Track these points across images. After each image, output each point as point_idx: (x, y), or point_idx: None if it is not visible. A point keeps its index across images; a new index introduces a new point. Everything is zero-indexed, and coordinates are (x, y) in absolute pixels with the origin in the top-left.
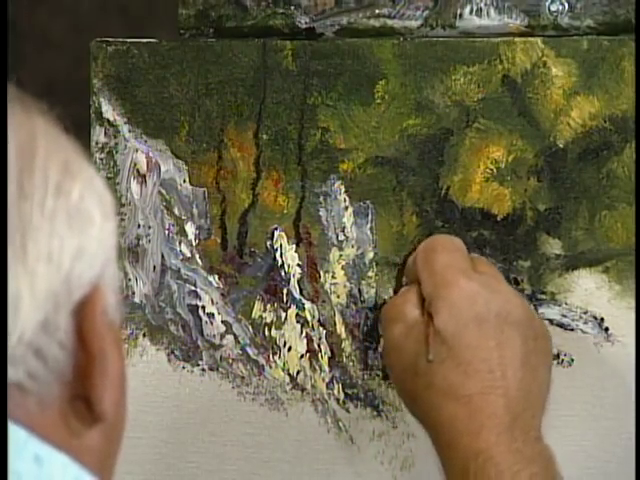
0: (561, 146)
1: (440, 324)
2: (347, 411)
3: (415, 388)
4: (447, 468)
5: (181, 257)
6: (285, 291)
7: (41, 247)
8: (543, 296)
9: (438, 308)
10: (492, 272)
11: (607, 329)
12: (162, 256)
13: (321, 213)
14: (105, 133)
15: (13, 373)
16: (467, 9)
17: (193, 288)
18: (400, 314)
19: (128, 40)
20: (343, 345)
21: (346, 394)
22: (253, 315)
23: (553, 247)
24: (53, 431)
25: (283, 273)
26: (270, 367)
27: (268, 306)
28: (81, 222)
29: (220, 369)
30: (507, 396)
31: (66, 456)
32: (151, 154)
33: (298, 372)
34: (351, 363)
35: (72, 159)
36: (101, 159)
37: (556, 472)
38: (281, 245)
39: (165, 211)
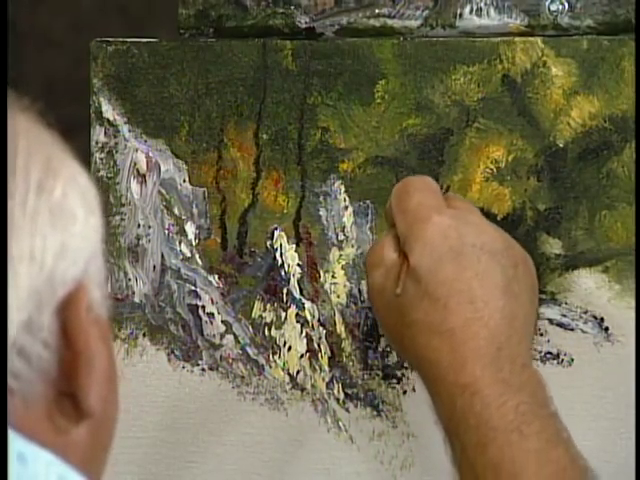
0: (561, 146)
1: (415, 261)
2: (347, 411)
3: (400, 328)
4: (435, 405)
5: (181, 257)
6: (285, 291)
7: (23, 246)
8: (543, 296)
9: (412, 246)
10: (466, 206)
11: (607, 329)
12: (162, 256)
13: (321, 213)
14: (105, 133)
15: None
16: (467, 9)
17: (193, 288)
18: (379, 258)
19: (128, 40)
20: (343, 345)
21: (346, 394)
22: (253, 315)
23: (553, 247)
24: (38, 429)
25: (283, 273)
26: (270, 367)
27: (268, 306)
28: (64, 220)
29: (220, 369)
30: (490, 326)
31: (51, 454)
32: (151, 154)
33: (298, 372)
34: (351, 363)
35: (54, 156)
36: (101, 159)
37: (546, 397)
38: (281, 245)
39: (165, 211)
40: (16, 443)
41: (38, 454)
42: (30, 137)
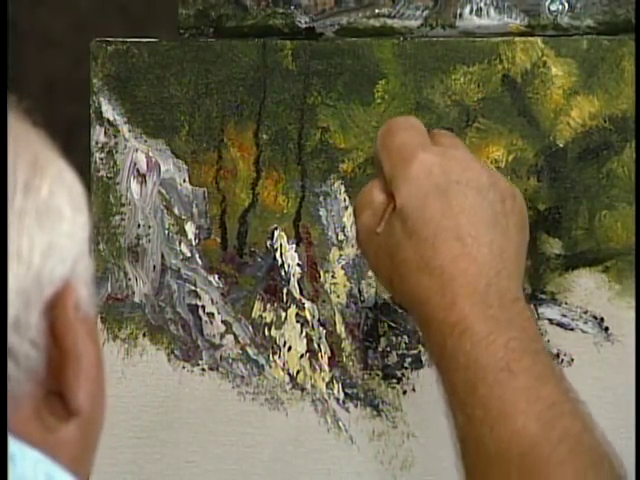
0: (561, 146)
1: (401, 200)
2: (347, 411)
3: (390, 269)
4: (427, 345)
5: (181, 257)
6: (285, 291)
7: (11, 246)
8: (543, 296)
9: (398, 185)
10: (452, 143)
11: (607, 329)
12: (162, 256)
13: (321, 213)
14: (105, 133)
15: None
16: (467, 9)
17: (193, 288)
18: (368, 200)
19: (128, 40)
20: (343, 345)
21: (346, 394)
22: (253, 315)
23: (553, 247)
24: (27, 428)
25: (283, 273)
26: (270, 367)
27: (268, 306)
28: (51, 219)
29: (220, 369)
30: (478, 261)
31: (40, 452)
32: (151, 154)
33: (298, 372)
34: (351, 363)
35: (41, 154)
36: (101, 159)
37: (536, 332)
38: (281, 245)
39: (165, 211)
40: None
41: (26, 453)
42: (17, 136)
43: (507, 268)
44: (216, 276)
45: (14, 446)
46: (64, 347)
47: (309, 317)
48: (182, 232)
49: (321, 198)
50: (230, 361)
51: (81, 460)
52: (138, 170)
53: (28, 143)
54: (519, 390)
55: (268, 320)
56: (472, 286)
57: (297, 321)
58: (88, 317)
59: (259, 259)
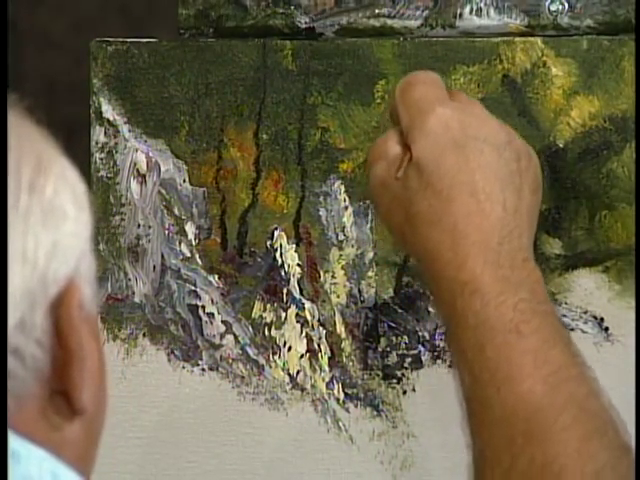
0: (561, 146)
1: (418, 152)
2: (347, 411)
3: (402, 221)
4: (437, 304)
5: (181, 257)
6: (285, 291)
7: (16, 246)
8: None
9: (415, 137)
10: (470, 101)
11: (607, 329)
12: (162, 256)
13: (321, 213)
14: (105, 133)
15: None
16: (467, 9)
17: (193, 288)
18: (383, 152)
19: (128, 40)
20: (343, 345)
21: (346, 394)
22: (253, 315)
23: (553, 247)
24: (32, 427)
25: (283, 273)
26: (270, 367)
27: (268, 306)
28: (55, 218)
29: (220, 369)
30: (491, 219)
31: (45, 451)
32: (151, 154)
33: (298, 372)
34: (351, 363)
35: (44, 153)
36: (101, 159)
37: (545, 294)
38: (281, 245)
39: (165, 211)
40: (9, 441)
41: (31, 452)
42: (20, 134)
43: (519, 227)
44: (216, 276)
45: (19, 445)
46: (69, 347)
47: (309, 317)
48: (182, 232)
49: (321, 198)
50: (230, 361)
51: (85, 458)
52: (138, 170)
53: (31, 142)
54: (527, 353)
55: (268, 320)
56: (484, 244)
57: (297, 321)
58: (91, 316)
59: (259, 259)
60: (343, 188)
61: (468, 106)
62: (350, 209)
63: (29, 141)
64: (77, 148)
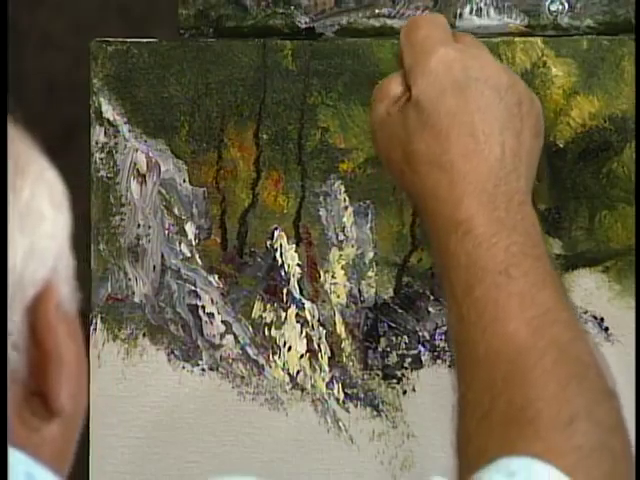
0: (561, 146)
1: (418, 92)
2: (347, 411)
3: (401, 160)
4: (431, 242)
5: (181, 257)
6: (285, 291)
7: None
8: None
9: (416, 77)
10: (474, 43)
11: (607, 329)
12: (162, 256)
13: (321, 213)
14: (105, 133)
15: None
16: (467, 9)
17: (193, 288)
18: (385, 92)
19: (128, 40)
20: (343, 345)
21: (346, 394)
22: (253, 315)
23: (553, 247)
24: (14, 430)
25: (283, 273)
26: (270, 367)
27: (268, 306)
28: (32, 221)
29: (220, 369)
30: (489, 160)
31: (21, 452)
32: (151, 154)
33: (298, 372)
34: (351, 363)
35: (22, 153)
36: (101, 159)
37: (539, 238)
38: (281, 245)
39: (165, 211)
40: None
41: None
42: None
43: (517, 170)
44: (216, 276)
45: None
46: (45, 348)
47: (309, 317)
48: (182, 232)
49: (321, 198)
50: (230, 361)
51: (62, 457)
52: (138, 170)
53: (10, 142)
54: (514, 295)
55: (268, 320)
56: (481, 184)
57: (297, 321)
58: (69, 315)
59: (259, 259)
60: (343, 188)
61: (472, 48)
62: (350, 209)
63: (8, 142)
64: (77, 148)
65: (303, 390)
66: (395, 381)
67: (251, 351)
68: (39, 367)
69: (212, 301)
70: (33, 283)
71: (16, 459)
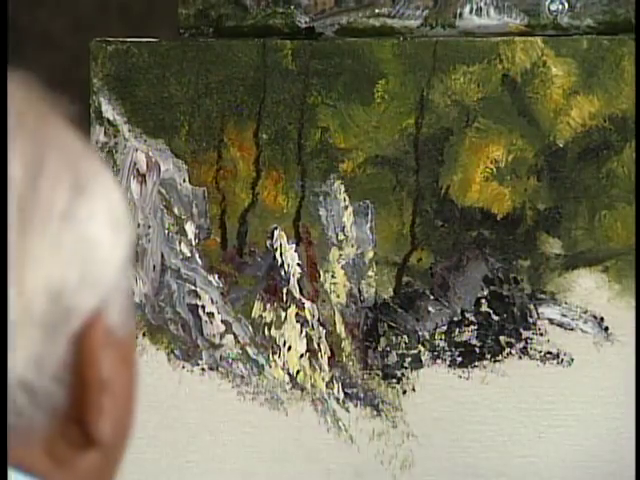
0: (561, 146)
1: None
2: (347, 411)
3: None
4: None
5: (181, 257)
6: (285, 290)
7: (41, 278)
8: (543, 295)
9: None
10: None
11: (607, 329)
12: (162, 256)
13: (321, 213)
14: (105, 133)
15: None
16: (467, 8)
17: (193, 288)
18: None
19: (128, 40)
20: (343, 345)
21: (346, 393)
22: (253, 315)
23: (553, 247)
24: (39, 463)
25: (283, 272)
26: (270, 367)
27: (268, 306)
28: (88, 247)
29: (220, 369)
30: None
31: None
32: (151, 154)
33: (298, 372)
34: (351, 363)
35: (84, 171)
36: (101, 159)
37: None
38: (281, 245)
39: (165, 211)
40: (12, 477)
41: None
42: (60, 151)
43: None
44: (216, 276)
45: None
46: (89, 377)
47: (309, 317)
48: (182, 232)
49: (321, 198)
50: (230, 361)
51: None
52: (138, 170)
53: (71, 160)
54: None
55: (268, 320)
56: None
57: (297, 321)
58: (121, 340)
59: (259, 259)
60: (343, 188)
61: None
62: (350, 209)
63: (68, 160)
64: None
65: (303, 390)
66: (395, 381)
67: (251, 351)
68: (82, 396)
69: (212, 301)
70: (81, 314)
71: None
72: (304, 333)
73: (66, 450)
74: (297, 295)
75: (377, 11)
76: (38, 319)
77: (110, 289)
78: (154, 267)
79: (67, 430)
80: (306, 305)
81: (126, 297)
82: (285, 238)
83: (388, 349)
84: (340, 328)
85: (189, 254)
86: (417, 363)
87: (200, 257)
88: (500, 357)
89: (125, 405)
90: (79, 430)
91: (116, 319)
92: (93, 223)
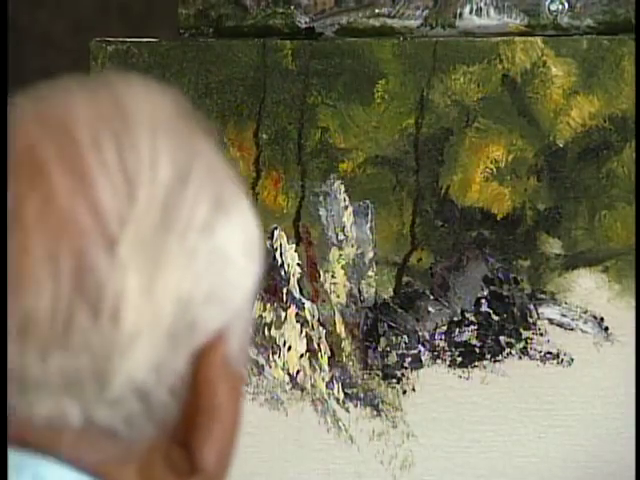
0: (561, 146)
1: None
2: (347, 411)
3: None
4: None
5: None
6: (285, 291)
7: (173, 283)
8: (543, 295)
9: None
10: None
11: (607, 329)
12: None
13: (321, 213)
14: None
15: (107, 416)
16: (467, 9)
17: None
18: None
19: (128, 40)
20: (343, 345)
21: (346, 394)
22: (253, 315)
23: (553, 247)
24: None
25: (283, 273)
26: (270, 367)
27: (268, 306)
28: (221, 264)
29: None
30: None
31: None
32: None
33: (298, 372)
34: (351, 363)
35: (226, 192)
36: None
37: None
38: (281, 245)
39: None
40: None
41: None
42: (206, 168)
43: None
44: None
45: None
46: (203, 400)
47: (309, 317)
48: None
49: (321, 198)
50: None
51: None
52: None
53: (215, 179)
54: None
55: (268, 320)
56: None
57: (297, 321)
58: (234, 374)
59: None
60: (343, 188)
61: None
62: (350, 209)
63: (213, 177)
64: None
65: (303, 390)
66: (395, 381)
67: (251, 351)
68: (192, 418)
69: None
70: (206, 331)
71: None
72: (304, 333)
73: (163, 474)
74: (297, 295)
75: (377, 11)
76: (164, 327)
77: (234, 314)
78: None
79: (170, 452)
80: (306, 305)
81: (246, 330)
82: (285, 238)
83: (388, 349)
84: (340, 328)
85: None
86: (417, 363)
87: None
88: (500, 357)
89: (231, 437)
90: (183, 454)
91: (235, 349)
92: (230, 243)
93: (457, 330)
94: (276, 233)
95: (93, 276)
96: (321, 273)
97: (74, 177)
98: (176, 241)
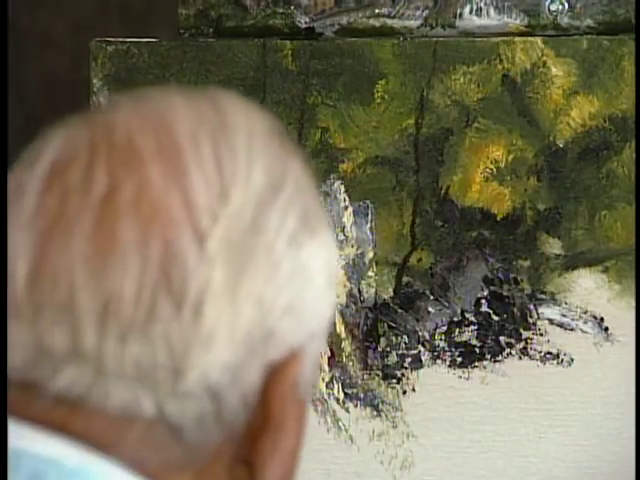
0: (561, 146)
1: None
2: (347, 411)
3: None
4: None
5: None
6: None
7: (255, 288)
8: (543, 296)
9: None
10: None
11: (607, 329)
12: None
13: None
14: None
15: (177, 410)
16: (467, 9)
17: None
18: None
19: (128, 40)
20: (343, 345)
21: (346, 394)
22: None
23: (553, 247)
24: None
25: None
26: None
27: None
28: (303, 281)
29: None
30: None
31: None
32: None
33: None
34: (351, 363)
35: (313, 213)
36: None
37: None
38: None
39: None
40: None
41: None
42: (298, 182)
43: None
44: None
45: None
46: (272, 418)
47: None
48: None
49: (321, 198)
50: None
51: None
52: None
53: (305, 196)
54: None
55: None
56: None
57: None
58: (302, 400)
59: None
60: (343, 188)
61: None
62: (350, 209)
63: (303, 194)
64: None
65: None
66: (395, 381)
67: None
68: (258, 434)
69: None
70: (281, 343)
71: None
72: None
73: None
74: None
75: (377, 11)
76: (242, 330)
77: (308, 337)
78: None
79: (232, 467)
80: None
81: (317, 360)
82: None
83: (388, 349)
84: (340, 328)
85: None
86: (417, 363)
87: None
88: (500, 357)
89: (293, 462)
90: (246, 471)
91: (306, 373)
92: (313, 262)
93: (457, 330)
94: None
95: (180, 267)
96: None
97: (170, 168)
98: (264, 248)
